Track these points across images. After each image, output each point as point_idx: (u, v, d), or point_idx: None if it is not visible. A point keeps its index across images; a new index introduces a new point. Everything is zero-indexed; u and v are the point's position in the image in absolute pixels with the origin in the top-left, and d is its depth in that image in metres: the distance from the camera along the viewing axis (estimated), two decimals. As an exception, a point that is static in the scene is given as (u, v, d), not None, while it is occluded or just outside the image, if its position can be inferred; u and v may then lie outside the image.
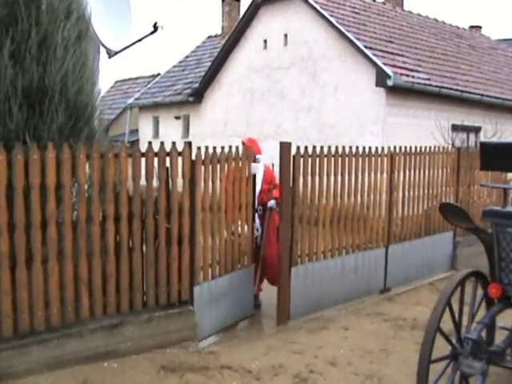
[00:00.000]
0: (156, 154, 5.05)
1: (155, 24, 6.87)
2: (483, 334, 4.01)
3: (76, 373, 4.45)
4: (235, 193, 5.97)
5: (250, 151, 6.26)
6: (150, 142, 5.07)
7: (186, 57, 22.34)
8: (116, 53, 6.30)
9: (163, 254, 5.14)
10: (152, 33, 6.91)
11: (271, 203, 6.57)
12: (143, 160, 4.94)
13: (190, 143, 5.33)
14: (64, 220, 4.51)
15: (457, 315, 3.90)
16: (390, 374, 4.81)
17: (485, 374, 3.80)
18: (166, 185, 5.15)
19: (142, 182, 4.95)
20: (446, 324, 3.84)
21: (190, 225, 5.30)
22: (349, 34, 13.25)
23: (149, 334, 4.99)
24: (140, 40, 6.82)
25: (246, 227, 6.18)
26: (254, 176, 6.36)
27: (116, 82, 28.15)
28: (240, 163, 6.02)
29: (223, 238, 5.85)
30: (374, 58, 12.62)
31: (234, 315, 6.07)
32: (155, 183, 5.05)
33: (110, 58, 6.26)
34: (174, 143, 5.18)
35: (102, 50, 6.20)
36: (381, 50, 13.33)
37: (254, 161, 6.34)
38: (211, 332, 5.68)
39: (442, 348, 3.89)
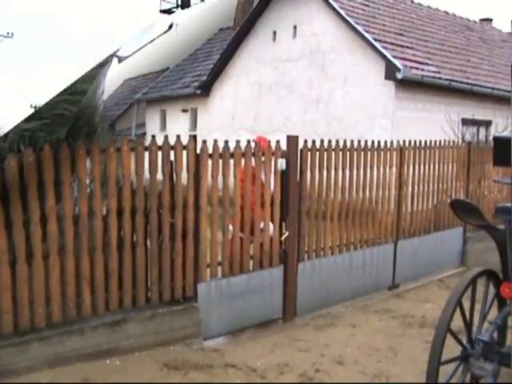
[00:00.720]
0: (160, 148, 4.95)
1: (171, 24, 6.76)
2: (495, 334, 3.90)
3: (77, 370, 4.38)
4: (256, 189, 5.70)
5: (278, 146, 5.89)
6: (153, 136, 4.98)
7: (197, 50, 22.15)
8: (126, 57, 6.20)
9: (167, 249, 5.05)
10: (166, 32, 6.80)
11: None
12: (147, 154, 4.85)
13: (195, 137, 5.21)
14: (65, 215, 4.42)
15: (468, 314, 3.79)
16: (398, 373, 4.72)
17: (496, 376, 3.69)
18: (170, 179, 5.05)
19: (147, 176, 4.87)
20: (456, 322, 3.74)
21: (195, 220, 5.19)
22: (358, 27, 13.06)
23: (152, 330, 4.91)
24: (151, 41, 6.71)
25: (271, 226, 5.89)
26: (283, 172, 5.98)
27: (125, 81, 27.85)
28: (262, 159, 5.73)
29: (237, 235, 5.62)
30: (384, 51, 12.45)
31: (253, 317, 5.78)
32: (160, 177, 4.96)
33: (120, 62, 6.17)
34: (178, 136, 5.08)
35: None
36: (390, 43, 13.15)
37: (284, 156, 5.92)
38: (221, 331, 5.52)
39: (451, 347, 3.78)
